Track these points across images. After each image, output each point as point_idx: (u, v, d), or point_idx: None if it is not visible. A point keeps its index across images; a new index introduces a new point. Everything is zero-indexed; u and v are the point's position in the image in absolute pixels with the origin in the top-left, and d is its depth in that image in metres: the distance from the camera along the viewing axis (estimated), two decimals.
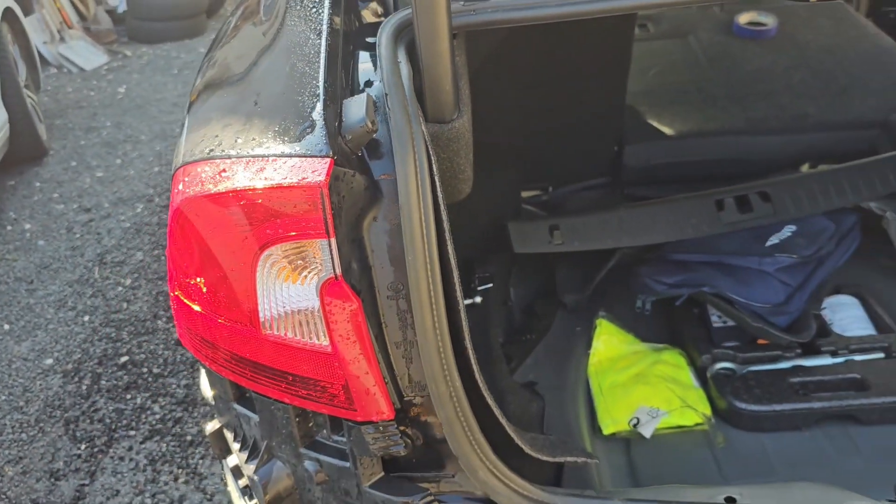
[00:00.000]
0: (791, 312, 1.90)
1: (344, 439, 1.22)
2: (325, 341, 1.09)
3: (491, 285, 2.20)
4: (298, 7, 1.30)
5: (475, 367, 1.17)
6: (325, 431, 1.25)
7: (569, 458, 1.36)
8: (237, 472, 1.41)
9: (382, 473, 1.25)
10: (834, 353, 1.90)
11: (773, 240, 2.04)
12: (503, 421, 1.21)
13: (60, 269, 4.10)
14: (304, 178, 1.00)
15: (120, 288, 3.92)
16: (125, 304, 3.80)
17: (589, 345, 2.05)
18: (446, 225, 1.11)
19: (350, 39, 1.28)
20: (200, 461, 2.97)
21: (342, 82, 1.17)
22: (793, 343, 1.90)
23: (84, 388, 3.35)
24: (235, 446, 1.36)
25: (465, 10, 1.28)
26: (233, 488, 1.44)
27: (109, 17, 7.34)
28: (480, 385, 1.18)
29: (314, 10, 1.25)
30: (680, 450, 1.78)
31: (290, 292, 1.08)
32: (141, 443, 3.07)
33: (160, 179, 4.85)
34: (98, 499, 2.86)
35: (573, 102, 2.49)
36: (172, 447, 3.04)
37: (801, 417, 1.78)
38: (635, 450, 1.80)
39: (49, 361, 3.50)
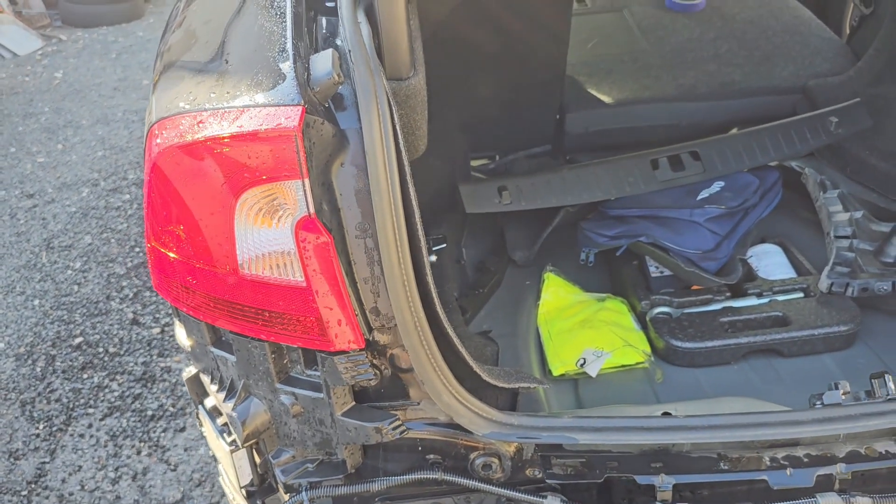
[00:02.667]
0: (719, 258, 2.07)
1: (317, 373, 1.32)
2: (299, 277, 1.18)
3: (444, 245, 2.31)
4: None
5: (436, 300, 1.28)
6: (299, 367, 1.34)
7: (522, 384, 1.49)
8: (215, 413, 1.49)
9: (354, 403, 1.35)
10: (759, 295, 2.08)
11: (703, 194, 2.21)
12: (462, 350, 1.33)
13: (6, 254, 4.05)
14: (279, 124, 1.09)
15: (70, 271, 3.91)
16: (76, 287, 3.80)
17: (538, 296, 2.19)
18: (408, 170, 1.22)
19: (311, 5, 1.37)
20: (163, 434, 3.02)
21: (307, 42, 1.26)
22: (722, 286, 2.07)
23: (38, 370, 3.35)
24: (213, 388, 1.45)
25: None
26: (210, 430, 1.52)
27: (42, 1, 7.16)
28: (441, 316, 1.29)
29: None
30: (623, 386, 1.93)
31: (266, 233, 1.17)
32: (101, 420, 3.10)
33: (105, 164, 4.81)
34: (60, 475, 2.89)
35: (516, 73, 2.60)
36: (133, 422, 3.08)
37: (729, 352, 1.95)
38: (583, 389, 1.94)
39: (0, 346, 3.49)
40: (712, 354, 1.95)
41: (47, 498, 2.81)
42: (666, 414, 1.44)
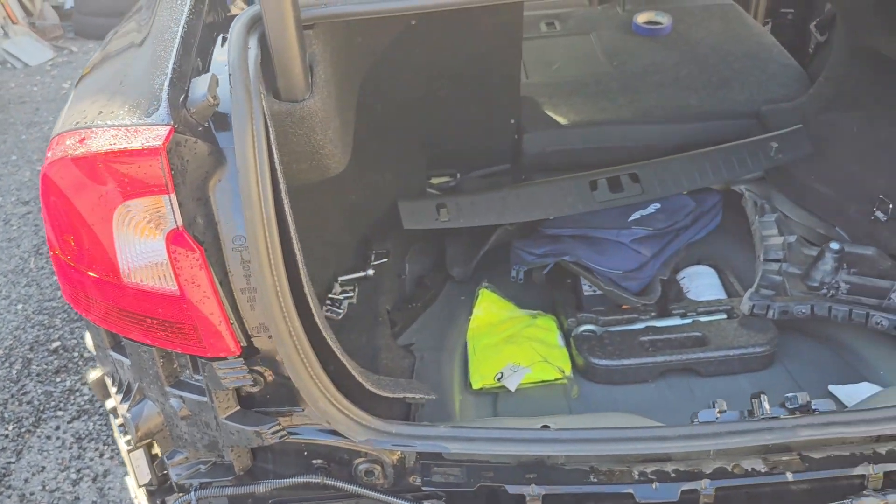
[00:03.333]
0: (642, 279, 2.12)
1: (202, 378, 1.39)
2: (173, 286, 1.26)
3: (386, 260, 2.38)
4: (167, 3, 1.47)
5: (315, 312, 1.35)
6: (187, 371, 1.41)
7: (407, 395, 1.54)
8: (115, 413, 1.57)
9: (238, 407, 1.42)
10: (683, 315, 2.12)
11: (636, 215, 2.26)
12: (343, 359, 1.39)
13: None
14: (146, 143, 1.17)
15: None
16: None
17: (471, 311, 2.25)
18: (283, 186, 1.29)
19: (215, 29, 1.45)
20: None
21: (198, 65, 1.34)
22: (649, 307, 2.11)
23: (14, 372, 3.46)
24: (113, 390, 1.52)
25: (317, 3, 1.46)
26: (114, 428, 1.59)
27: (56, 12, 7.38)
28: (320, 326, 1.36)
29: (178, 4, 1.42)
30: (539, 401, 1.98)
31: (144, 244, 1.25)
32: (68, 422, 3.19)
33: None
34: (23, 475, 2.98)
35: (471, 94, 2.67)
36: (99, 426, 3.17)
37: (647, 371, 1.99)
38: (501, 403, 1.99)
39: None
40: (629, 372, 1.99)
41: (9, 497, 2.90)
42: (545, 427, 1.49)
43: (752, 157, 2.46)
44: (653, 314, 2.13)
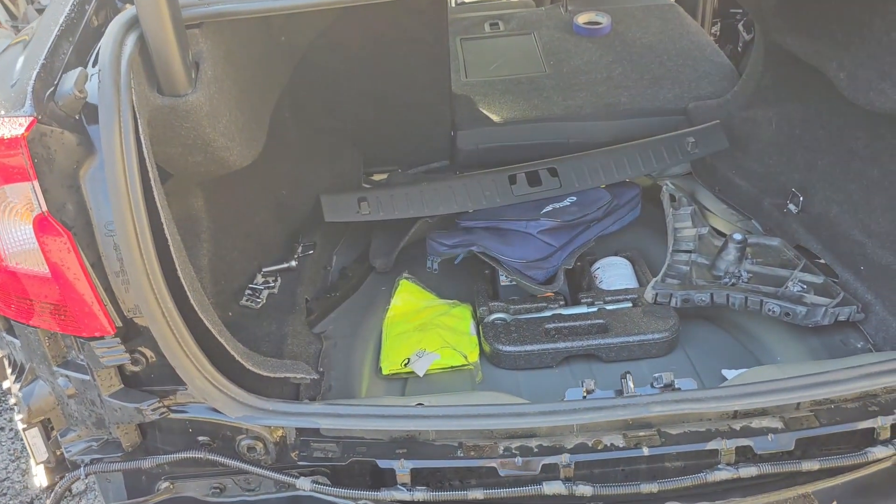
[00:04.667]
0: (547, 268, 2.19)
1: None
2: (45, 269, 1.33)
3: (312, 252, 2.46)
4: (54, 3, 1.55)
5: (189, 294, 1.42)
6: (73, 352, 1.49)
7: (289, 374, 1.62)
8: (10, 393, 1.64)
9: (122, 386, 1.49)
10: (590, 304, 2.19)
11: (548, 208, 2.33)
12: (222, 340, 1.46)
13: None
14: (8, 133, 1.25)
15: None
16: None
17: (390, 301, 2.32)
18: (153, 174, 1.36)
19: (99, 29, 1.52)
20: None
21: (71, 61, 1.41)
22: (557, 295, 2.18)
23: None
24: (9, 371, 1.60)
25: (200, 3, 1.53)
26: (12, 408, 1.67)
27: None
28: (196, 307, 1.43)
29: (62, 4, 1.50)
30: (446, 386, 2.05)
31: (18, 229, 1.32)
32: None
33: None
34: None
35: (402, 91, 2.75)
36: None
37: (549, 356, 2.06)
38: (409, 387, 2.06)
39: None
40: (532, 358, 2.06)
41: None
42: (419, 405, 1.56)
43: (669, 151, 2.54)
44: (561, 303, 2.20)
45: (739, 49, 3.10)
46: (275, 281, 2.28)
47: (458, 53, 3.29)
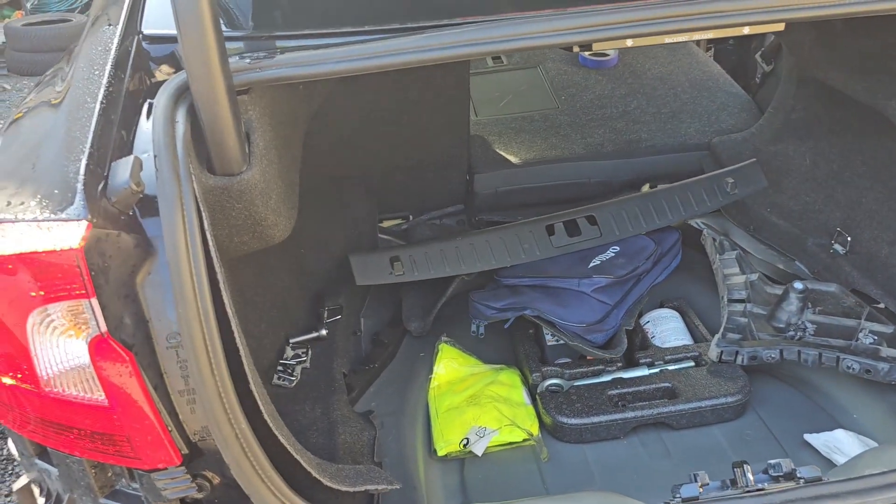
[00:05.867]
0: (606, 330, 2.04)
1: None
2: (101, 396, 1.13)
3: (339, 317, 2.26)
4: (84, 68, 1.34)
5: (262, 409, 1.23)
6: (123, 480, 1.28)
7: (369, 487, 1.43)
8: None
9: None
10: (650, 365, 2.05)
11: (596, 261, 2.18)
12: (301, 459, 1.27)
13: None
14: (60, 243, 1.04)
15: None
16: None
17: (431, 369, 2.14)
18: (220, 276, 1.17)
19: (140, 96, 1.33)
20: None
21: (118, 143, 1.22)
22: (613, 358, 2.04)
23: None
24: (41, 501, 1.38)
25: (251, 67, 1.35)
26: None
27: None
28: (271, 425, 1.23)
29: (96, 71, 1.30)
30: (509, 465, 1.88)
31: (65, 350, 1.12)
32: None
33: None
34: None
35: (420, 137, 2.59)
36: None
37: (618, 427, 1.91)
38: (468, 469, 1.89)
39: None
40: (600, 430, 1.91)
41: None
42: None
43: (710, 194, 2.43)
44: (619, 365, 2.06)
45: (758, 80, 3.01)
46: (305, 353, 2.09)
47: None
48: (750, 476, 1.39)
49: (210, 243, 1.15)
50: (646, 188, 2.79)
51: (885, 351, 1.94)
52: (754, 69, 3.16)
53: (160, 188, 1.11)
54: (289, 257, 2.24)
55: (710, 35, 1.45)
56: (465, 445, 1.88)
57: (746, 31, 1.37)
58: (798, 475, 1.38)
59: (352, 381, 2.07)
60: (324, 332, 2.16)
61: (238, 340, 1.19)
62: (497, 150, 2.81)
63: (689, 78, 3.14)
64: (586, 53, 3.29)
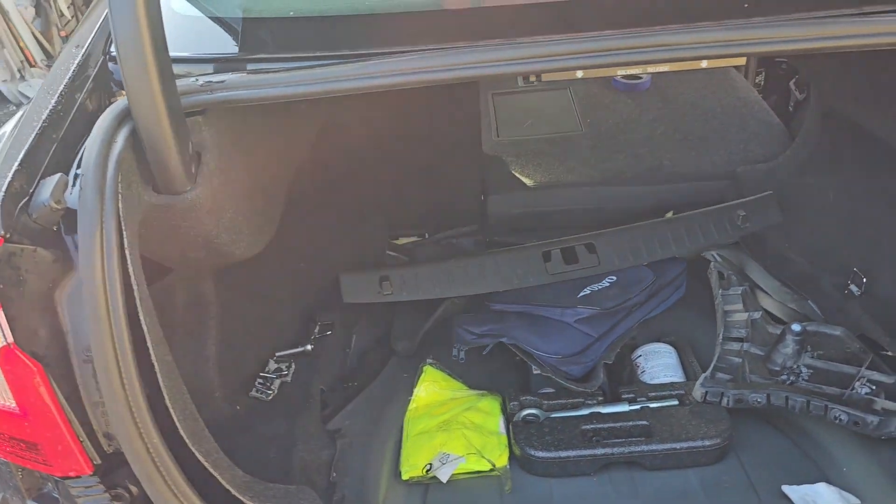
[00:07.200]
0: (585, 363, 1.99)
1: None
2: (12, 403, 1.18)
3: (330, 333, 2.29)
4: (43, 88, 1.41)
5: (178, 426, 1.25)
6: (50, 484, 1.33)
7: None
8: None
9: None
10: (632, 401, 1.98)
11: (587, 290, 2.13)
12: (216, 473, 1.29)
13: None
14: None
15: None
16: None
17: (412, 391, 2.13)
18: (138, 294, 1.21)
19: (92, 119, 1.38)
20: None
21: (55, 161, 1.27)
22: (587, 392, 1.98)
23: None
24: None
25: (202, 89, 1.39)
26: None
27: None
28: (188, 441, 1.26)
29: (50, 92, 1.36)
30: (472, 494, 1.85)
31: None
32: None
33: None
34: None
35: (430, 157, 2.60)
36: None
37: (587, 463, 1.86)
38: (431, 494, 1.87)
39: None
40: (568, 465, 1.86)
41: None
42: None
43: (718, 226, 2.33)
44: (600, 399, 2.00)
45: (791, 108, 2.88)
46: (288, 367, 2.12)
47: (490, 110, 3.13)
48: None
49: (130, 262, 1.19)
50: (669, 216, 2.71)
51: (880, 402, 1.82)
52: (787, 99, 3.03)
53: (81, 205, 1.16)
54: (285, 272, 2.28)
55: (665, 68, 1.41)
56: (427, 471, 1.87)
57: (704, 64, 1.32)
58: None
59: (329, 398, 2.09)
60: (309, 347, 2.19)
61: (153, 357, 1.23)
62: (513, 172, 2.78)
63: (723, 104, 3.03)
64: (619, 76, 3.23)
